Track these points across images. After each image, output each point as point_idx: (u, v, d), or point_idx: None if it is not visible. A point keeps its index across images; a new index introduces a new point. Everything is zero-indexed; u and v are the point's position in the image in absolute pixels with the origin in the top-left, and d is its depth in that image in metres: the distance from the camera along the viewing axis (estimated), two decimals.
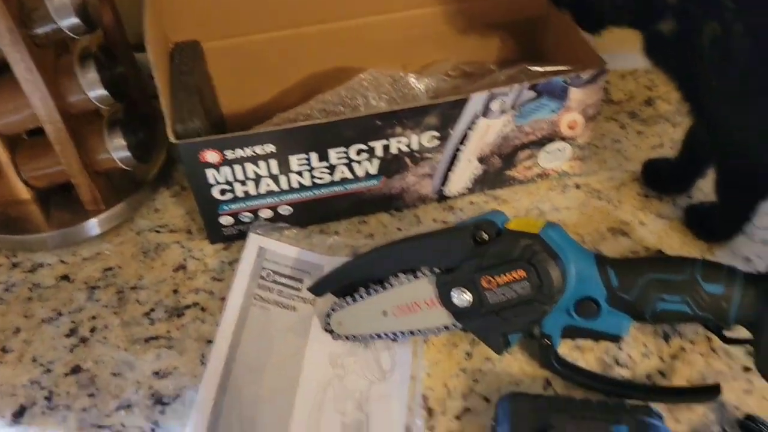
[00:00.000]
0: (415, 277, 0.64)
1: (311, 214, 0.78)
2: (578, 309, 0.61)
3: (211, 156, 0.69)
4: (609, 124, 0.91)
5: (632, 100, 0.95)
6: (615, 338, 0.62)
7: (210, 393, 0.62)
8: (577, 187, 0.83)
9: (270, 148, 0.70)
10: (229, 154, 0.69)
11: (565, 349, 0.68)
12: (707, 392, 0.62)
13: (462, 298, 0.61)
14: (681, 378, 0.65)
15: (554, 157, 0.81)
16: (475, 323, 0.62)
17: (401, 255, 0.64)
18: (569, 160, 0.82)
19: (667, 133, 0.89)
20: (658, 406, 0.60)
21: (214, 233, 0.78)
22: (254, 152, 0.70)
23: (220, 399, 0.62)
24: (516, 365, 0.67)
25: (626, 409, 0.57)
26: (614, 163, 0.86)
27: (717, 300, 0.57)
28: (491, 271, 0.60)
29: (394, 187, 0.78)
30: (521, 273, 0.59)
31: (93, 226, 0.78)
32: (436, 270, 0.63)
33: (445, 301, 0.62)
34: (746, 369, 0.65)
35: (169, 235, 0.80)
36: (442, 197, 0.82)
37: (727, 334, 0.62)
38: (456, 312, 0.62)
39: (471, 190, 0.82)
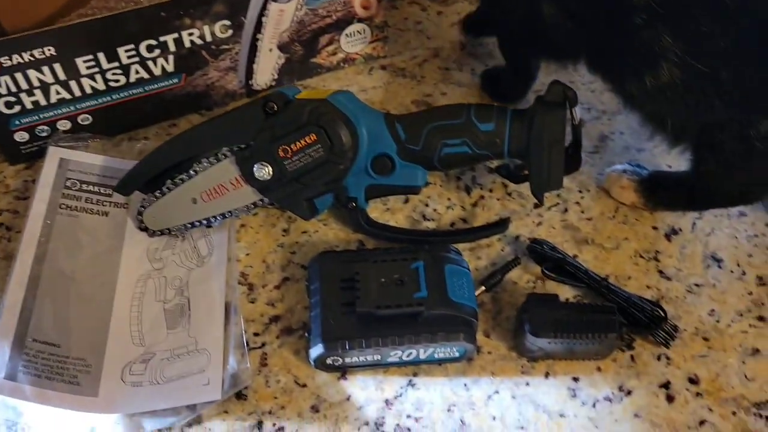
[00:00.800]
0: (218, 160, 0.64)
1: (115, 121, 0.76)
2: (375, 167, 0.64)
3: None
4: (411, 7, 0.94)
5: None
6: (413, 189, 0.66)
7: (17, 297, 0.60)
8: (383, 68, 0.86)
9: (50, 51, 0.67)
10: (6, 62, 0.66)
11: (377, 212, 0.71)
12: (498, 225, 0.68)
13: (263, 171, 0.63)
14: (481, 221, 0.71)
15: (356, 41, 0.83)
16: (279, 194, 0.64)
17: (199, 138, 0.64)
18: (371, 43, 0.84)
19: (465, 10, 0.93)
20: (460, 247, 0.65)
21: (13, 152, 0.74)
22: (33, 56, 0.67)
23: (30, 303, 0.60)
24: (331, 234, 0.70)
25: (425, 250, 0.62)
26: (417, 42, 0.89)
27: (491, 137, 0.62)
28: (285, 140, 0.62)
29: (198, 84, 0.77)
30: (312, 137, 0.61)
31: None
32: (236, 149, 0.64)
33: (248, 177, 0.64)
34: (536, 205, 0.72)
35: None
36: (251, 91, 0.82)
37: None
38: (260, 187, 0.64)
39: (279, 82, 0.82)
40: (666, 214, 0.71)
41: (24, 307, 0.60)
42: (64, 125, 0.74)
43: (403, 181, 0.65)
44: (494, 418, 0.58)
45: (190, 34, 0.72)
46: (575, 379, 0.60)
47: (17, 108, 0.70)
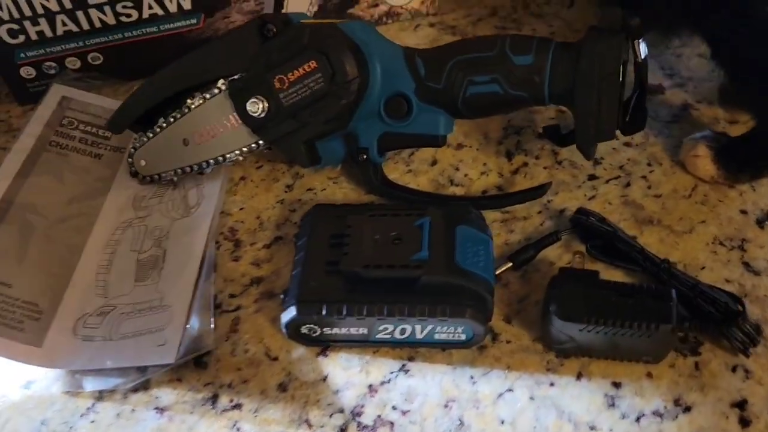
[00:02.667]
0: (212, 95, 0.56)
1: (128, 64, 0.70)
2: (388, 109, 0.54)
3: None
4: None
5: None
6: (435, 140, 0.55)
7: None
8: (431, 26, 0.76)
9: None
10: None
11: (397, 173, 0.60)
12: (534, 190, 0.56)
13: (257, 106, 0.54)
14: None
15: None
16: (274, 133, 0.55)
17: (192, 66, 0.56)
18: None
19: None
20: (490, 219, 0.54)
21: (20, 90, 0.69)
22: None
23: None
24: (340, 193, 0.60)
25: (436, 208, 0.50)
26: (474, 0, 0.79)
27: (528, 72, 0.50)
28: (282, 68, 0.52)
29: (218, 28, 0.70)
30: (312, 64, 0.52)
31: None
32: (230, 80, 0.55)
33: (242, 113, 0.55)
34: (591, 177, 0.59)
35: None
36: None
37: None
38: (254, 125, 0.55)
39: None
40: (760, 195, 0.56)
41: None
42: (72, 63, 0.68)
43: (422, 129, 0.54)
44: (502, 422, 0.45)
45: None
46: (616, 385, 0.46)
47: (22, 38, 0.65)
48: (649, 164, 0.59)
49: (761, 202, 0.55)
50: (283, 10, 0.71)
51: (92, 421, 0.47)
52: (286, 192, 0.60)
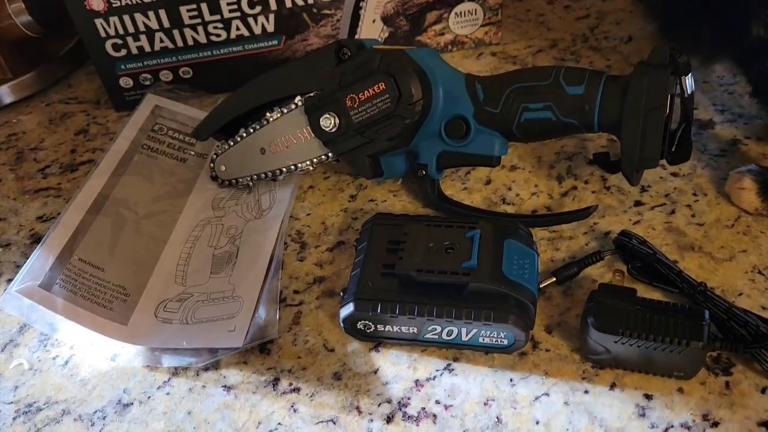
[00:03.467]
0: (289, 109, 0.62)
1: (215, 79, 0.77)
2: (448, 130, 0.59)
3: (96, 3, 0.69)
4: (537, 0, 0.88)
5: None
6: (490, 160, 0.59)
7: (75, 217, 0.60)
8: (493, 54, 0.80)
9: None
10: (115, 2, 0.69)
11: (453, 190, 0.65)
12: (580, 211, 0.59)
13: (329, 122, 0.59)
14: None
15: (466, 22, 0.79)
16: (342, 147, 0.60)
17: (272, 83, 0.62)
18: (483, 26, 0.79)
19: (595, 6, 0.86)
20: (538, 237, 0.58)
21: (117, 98, 0.77)
22: (141, 0, 0.69)
23: (87, 225, 0.61)
24: (399, 205, 0.65)
25: (487, 222, 0.54)
26: (536, 32, 0.83)
27: (579, 102, 0.54)
28: (353, 88, 0.58)
29: (297, 50, 0.77)
30: (381, 86, 0.57)
31: (3, 94, 0.79)
32: (306, 97, 0.61)
33: (315, 127, 0.60)
34: (637, 203, 0.62)
35: (77, 105, 0.80)
36: None
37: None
38: (325, 139, 0.60)
39: None
40: None
41: (80, 228, 0.60)
42: (166, 76, 0.76)
43: (479, 149, 0.59)
44: (537, 422, 0.48)
45: None
46: (647, 397, 0.49)
47: (123, 51, 0.73)
48: (694, 194, 0.62)
49: None
50: (357, 36, 0.77)
51: (167, 393, 0.52)
52: (350, 201, 0.65)
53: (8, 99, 0.79)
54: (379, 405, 0.50)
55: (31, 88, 0.80)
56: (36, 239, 0.65)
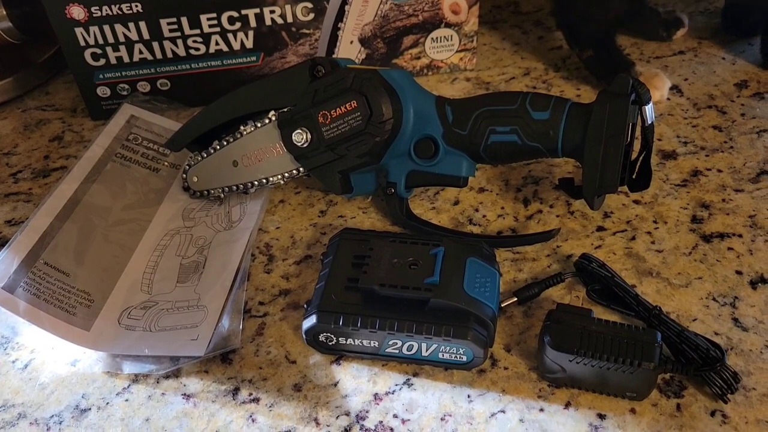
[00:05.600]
0: (263, 123, 0.63)
1: (192, 92, 0.78)
2: (417, 149, 0.60)
3: (77, 12, 0.70)
4: (513, 30, 0.91)
5: (540, 11, 0.94)
6: (457, 180, 0.61)
7: (43, 222, 0.61)
8: (467, 80, 0.82)
9: (137, 7, 0.70)
10: (96, 12, 0.70)
11: (421, 209, 0.66)
12: (543, 234, 0.61)
13: (301, 137, 0.61)
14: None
15: (442, 47, 0.81)
16: (314, 162, 0.61)
17: (247, 97, 0.63)
18: (458, 52, 0.81)
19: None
20: (502, 258, 0.59)
21: (94, 107, 0.78)
22: (121, 10, 0.70)
23: (54, 230, 0.61)
24: (368, 222, 0.65)
25: (452, 240, 0.55)
26: (510, 60, 0.85)
27: (544, 127, 0.56)
28: (326, 105, 0.59)
29: (275, 67, 0.78)
30: (353, 104, 0.58)
31: None
32: (279, 112, 0.62)
33: (287, 142, 0.61)
34: (600, 228, 0.63)
35: (54, 113, 0.81)
36: None
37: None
38: (297, 153, 0.61)
39: None
40: (756, 258, 0.60)
41: (47, 232, 0.60)
42: (143, 87, 0.77)
43: (447, 170, 0.60)
44: None
45: (272, 12, 0.73)
46: (601, 416, 0.50)
47: (102, 61, 0.74)
48: (655, 221, 0.64)
49: (756, 265, 0.59)
50: (334, 55, 0.78)
51: (126, 400, 0.52)
52: (319, 217, 0.66)
53: None
54: (337, 417, 0.51)
55: (8, 93, 0.81)
56: (2, 242, 0.65)
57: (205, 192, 0.67)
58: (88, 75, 0.75)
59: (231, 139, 0.64)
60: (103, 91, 0.76)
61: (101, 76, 0.75)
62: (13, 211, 0.68)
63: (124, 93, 0.77)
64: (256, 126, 0.63)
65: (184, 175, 0.67)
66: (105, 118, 0.78)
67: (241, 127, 0.64)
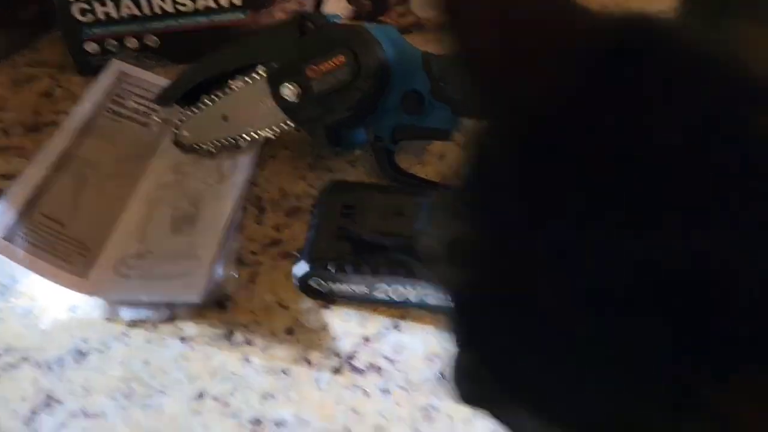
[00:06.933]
0: (252, 78, 0.64)
1: (181, 49, 0.78)
2: (405, 103, 0.62)
3: None
4: None
5: None
6: (444, 134, 0.63)
7: (37, 173, 0.62)
8: None
9: None
10: None
11: (408, 164, 0.68)
12: None
13: (290, 91, 0.62)
14: None
15: (427, 5, 0.82)
16: (302, 116, 0.63)
17: (236, 52, 0.64)
18: None
19: None
20: None
21: (83, 63, 0.78)
22: None
23: (50, 181, 0.62)
24: (356, 175, 0.67)
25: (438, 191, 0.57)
26: None
27: None
28: (314, 60, 0.60)
29: (263, 23, 0.78)
30: (341, 59, 0.59)
31: None
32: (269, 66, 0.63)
33: (276, 96, 0.63)
34: None
35: (43, 69, 0.81)
36: None
37: None
38: (285, 107, 0.63)
39: None
40: None
41: (43, 184, 0.62)
42: (132, 43, 0.77)
43: (433, 123, 0.62)
44: None
45: None
46: None
47: (90, 17, 0.74)
48: None
49: None
50: (320, 11, 0.79)
51: (125, 344, 0.55)
52: (308, 171, 0.68)
53: None
54: (328, 359, 0.53)
55: None
56: None
57: (196, 146, 0.68)
58: (76, 31, 0.75)
59: (221, 94, 0.66)
60: (91, 47, 0.77)
61: (89, 32, 0.75)
62: (6, 165, 0.69)
63: (113, 49, 0.77)
64: (245, 81, 0.64)
65: (176, 130, 0.69)
66: (94, 74, 0.78)
67: (230, 82, 0.65)
